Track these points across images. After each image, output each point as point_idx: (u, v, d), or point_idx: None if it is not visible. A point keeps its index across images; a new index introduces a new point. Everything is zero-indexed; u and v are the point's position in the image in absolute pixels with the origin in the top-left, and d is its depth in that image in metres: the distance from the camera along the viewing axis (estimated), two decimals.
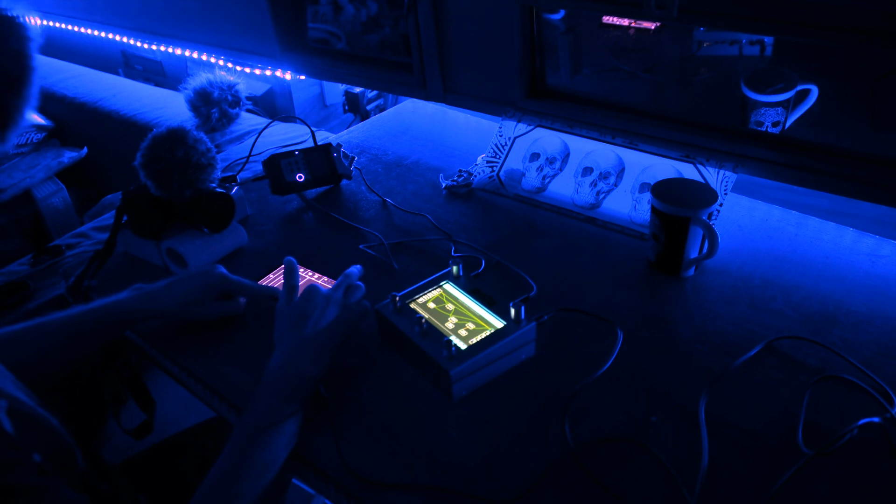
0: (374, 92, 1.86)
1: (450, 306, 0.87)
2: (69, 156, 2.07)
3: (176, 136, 1.04)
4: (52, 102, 2.13)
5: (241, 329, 0.96)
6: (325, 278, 1.02)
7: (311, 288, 0.85)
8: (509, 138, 1.26)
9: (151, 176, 1.04)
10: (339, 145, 1.28)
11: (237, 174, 1.25)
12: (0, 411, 0.61)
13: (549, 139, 1.22)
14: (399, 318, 0.85)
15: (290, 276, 0.88)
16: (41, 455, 0.61)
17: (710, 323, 0.89)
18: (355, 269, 0.92)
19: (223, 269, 0.94)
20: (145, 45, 2.11)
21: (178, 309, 0.90)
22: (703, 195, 0.95)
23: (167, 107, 1.91)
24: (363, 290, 0.90)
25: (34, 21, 0.64)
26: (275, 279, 1.03)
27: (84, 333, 0.88)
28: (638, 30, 1.25)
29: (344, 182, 1.30)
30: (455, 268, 0.92)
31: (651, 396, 0.79)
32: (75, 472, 0.71)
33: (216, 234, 1.08)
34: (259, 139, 1.37)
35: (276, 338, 0.82)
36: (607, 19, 1.27)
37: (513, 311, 0.82)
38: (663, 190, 0.95)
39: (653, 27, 1.25)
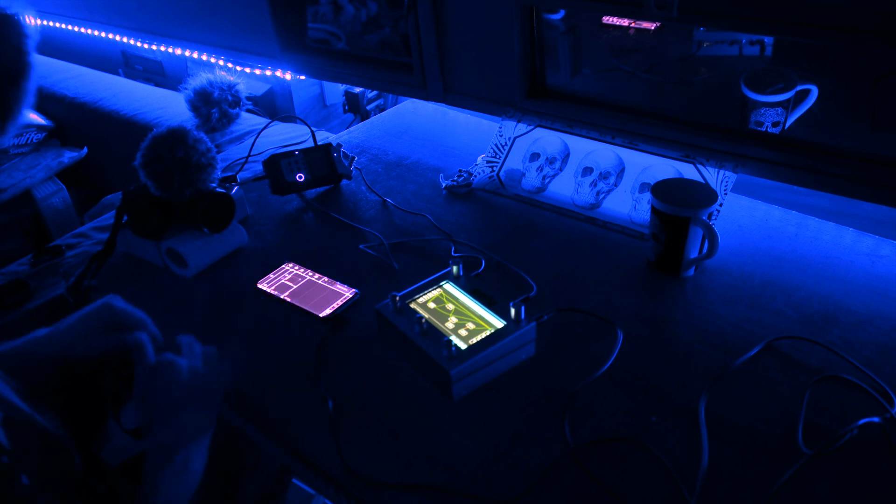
0: (374, 92, 1.86)
1: (450, 306, 0.87)
2: (69, 156, 2.07)
3: (176, 136, 1.04)
4: (52, 102, 2.12)
5: (241, 329, 0.96)
6: (326, 278, 1.02)
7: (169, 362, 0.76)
8: (509, 138, 1.26)
9: (151, 176, 1.04)
10: (339, 145, 1.28)
11: (237, 174, 1.25)
12: None
13: (549, 139, 1.22)
14: (399, 318, 0.85)
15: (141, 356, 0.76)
16: (37, 463, 0.61)
17: (710, 323, 0.89)
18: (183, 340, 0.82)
19: (118, 300, 0.83)
20: (145, 45, 2.11)
21: (64, 350, 0.79)
22: (703, 195, 0.95)
23: (167, 107, 1.91)
24: (206, 349, 0.82)
25: (31, 20, 0.65)
26: (275, 279, 1.03)
27: None
28: (638, 30, 1.25)
29: (344, 182, 1.30)
30: (455, 268, 0.92)
31: (651, 396, 0.79)
32: (73, 476, 0.71)
33: (216, 234, 1.08)
34: (259, 139, 1.37)
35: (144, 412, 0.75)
36: (607, 19, 1.27)
37: (513, 311, 0.82)
38: (663, 190, 0.95)
39: (653, 27, 1.25)
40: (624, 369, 0.82)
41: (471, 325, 0.84)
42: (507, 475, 0.72)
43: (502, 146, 1.26)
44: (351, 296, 0.98)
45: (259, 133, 1.37)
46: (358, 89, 1.83)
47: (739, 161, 1.04)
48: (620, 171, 1.13)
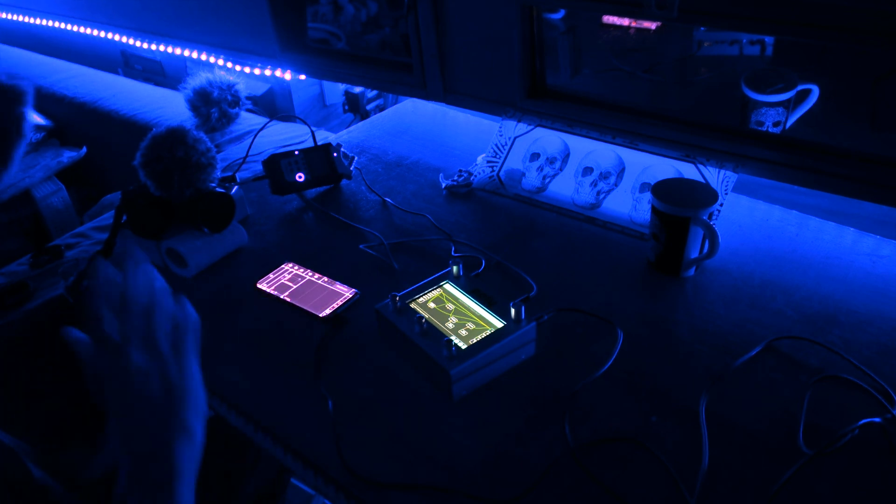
0: (374, 92, 1.86)
1: (450, 306, 0.87)
2: (69, 156, 2.07)
3: (176, 136, 1.04)
4: (51, 102, 2.12)
5: (241, 329, 0.96)
6: (326, 278, 1.02)
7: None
8: (509, 138, 1.26)
9: (151, 176, 1.04)
10: (339, 145, 1.28)
11: (236, 174, 1.25)
12: None
13: (549, 139, 1.22)
14: (399, 318, 0.85)
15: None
16: None
17: (711, 323, 0.89)
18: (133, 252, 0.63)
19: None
20: (145, 45, 2.11)
21: None
22: (704, 195, 0.95)
23: (167, 107, 1.91)
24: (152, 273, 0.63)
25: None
26: (275, 279, 1.03)
27: None
28: (638, 30, 1.25)
29: (344, 182, 1.30)
30: (455, 268, 0.92)
31: (651, 396, 0.79)
32: (26, 488, 0.70)
33: (216, 234, 1.08)
34: (259, 139, 1.36)
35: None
36: (607, 19, 1.27)
37: (513, 311, 0.82)
38: (663, 190, 0.95)
39: (653, 27, 1.25)
40: (624, 369, 0.82)
41: (471, 325, 0.84)
42: (507, 475, 0.71)
43: (502, 146, 1.26)
44: (351, 296, 0.98)
45: (258, 132, 1.37)
46: (358, 89, 1.83)
47: (740, 161, 1.04)
48: (621, 171, 1.13)
